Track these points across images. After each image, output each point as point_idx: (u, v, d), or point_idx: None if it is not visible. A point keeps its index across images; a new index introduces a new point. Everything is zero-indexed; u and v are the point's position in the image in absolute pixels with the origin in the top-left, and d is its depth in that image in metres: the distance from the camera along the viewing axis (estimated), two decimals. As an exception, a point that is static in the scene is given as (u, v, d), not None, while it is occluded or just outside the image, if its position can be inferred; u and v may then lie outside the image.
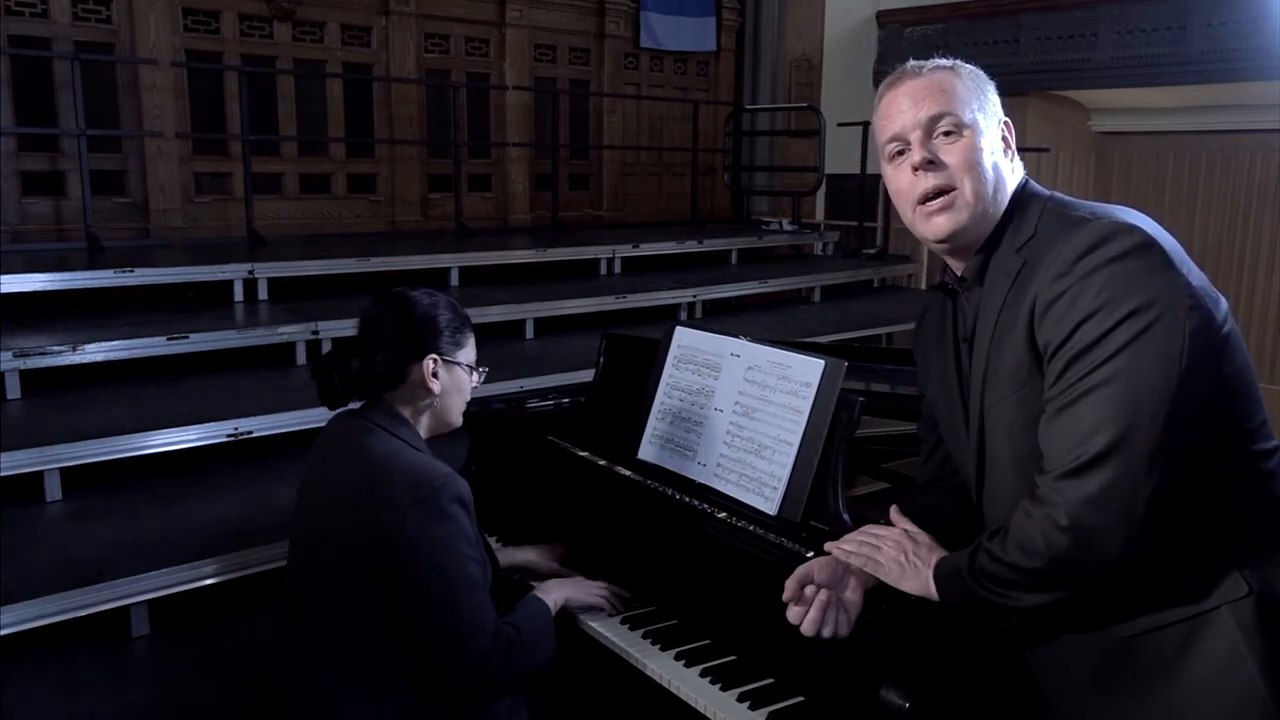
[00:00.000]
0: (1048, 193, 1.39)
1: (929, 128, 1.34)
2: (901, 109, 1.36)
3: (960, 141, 1.33)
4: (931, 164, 1.34)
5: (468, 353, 1.82)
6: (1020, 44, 6.55)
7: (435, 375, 1.74)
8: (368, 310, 1.78)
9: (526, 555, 2.08)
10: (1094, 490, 1.17)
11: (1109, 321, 1.18)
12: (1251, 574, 1.23)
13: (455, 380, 1.79)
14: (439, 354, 1.75)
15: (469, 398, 1.85)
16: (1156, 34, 5.94)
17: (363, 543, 1.62)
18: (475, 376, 1.84)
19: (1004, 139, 1.38)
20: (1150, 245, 1.21)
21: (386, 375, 1.73)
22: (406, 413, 1.76)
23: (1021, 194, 1.38)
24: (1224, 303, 1.26)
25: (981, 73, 1.40)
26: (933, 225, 1.36)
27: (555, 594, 1.85)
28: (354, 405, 1.79)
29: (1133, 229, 1.22)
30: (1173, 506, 1.19)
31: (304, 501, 1.78)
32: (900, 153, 1.37)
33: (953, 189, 1.33)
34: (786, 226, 7.01)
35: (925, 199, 1.35)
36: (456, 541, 1.63)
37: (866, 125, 6.41)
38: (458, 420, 1.85)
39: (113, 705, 2.30)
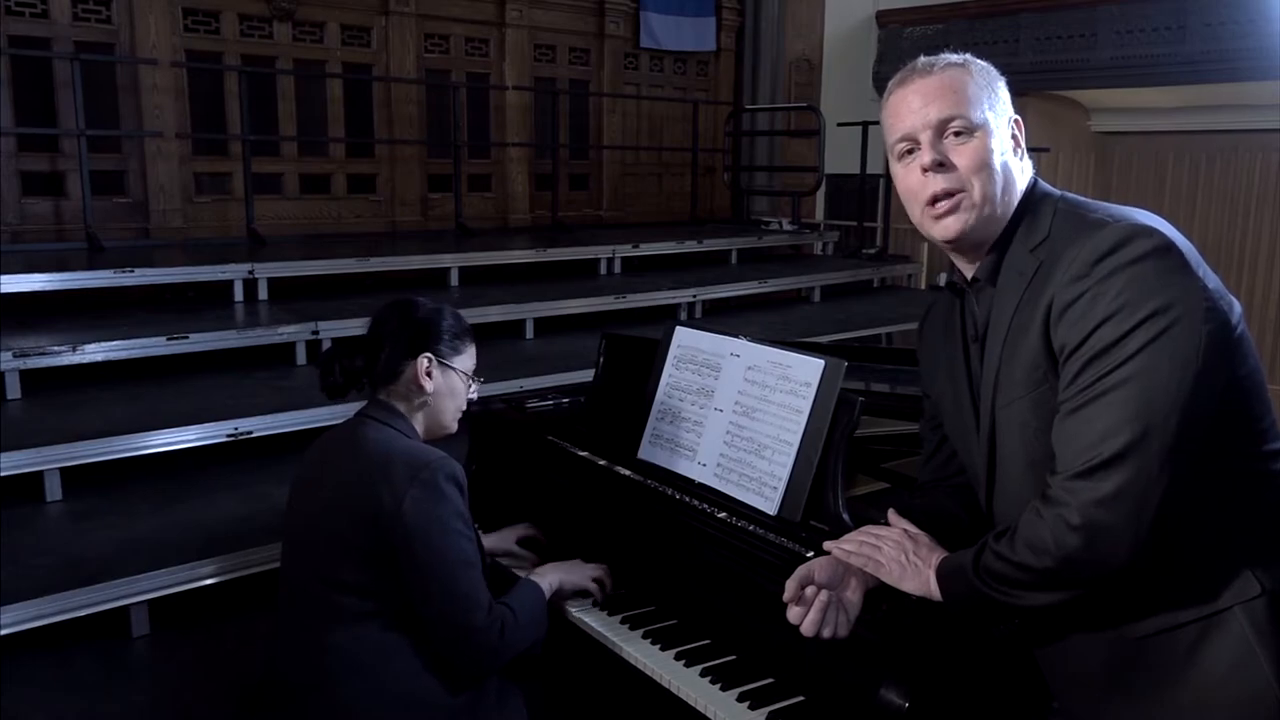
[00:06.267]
0: (1058, 192, 1.38)
1: (940, 128, 1.33)
2: (912, 108, 1.35)
3: (971, 143, 1.33)
4: (941, 165, 1.33)
5: (465, 360, 1.89)
6: (1020, 44, 6.54)
7: (429, 374, 1.82)
8: (378, 312, 1.88)
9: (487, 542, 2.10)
10: (1108, 491, 1.17)
11: (1127, 324, 1.17)
12: (1264, 574, 1.24)
13: (449, 384, 1.86)
14: (435, 355, 1.82)
15: (464, 406, 1.92)
16: (1156, 34, 5.93)
17: (361, 526, 1.67)
18: (472, 386, 1.91)
19: (1014, 137, 1.37)
20: (1169, 248, 1.21)
21: (384, 371, 1.81)
22: (402, 409, 1.83)
23: (1032, 193, 1.37)
24: (1238, 306, 1.26)
25: (992, 69, 1.39)
26: (940, 226, 1.35)
27: (549, 578, 1.90)
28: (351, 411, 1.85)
29: (1152, 232, 1.22)
30: (1183, 507, 1.19)
31: (299, 497, 1.83)
32: (910, 151, 1.36)
33: (961, 191, 1.33)
34: (786, 226, 7.00)
35: (934, 200, 1.34)
36: (453, 519, 1.69)
37: (866, 125, 6.42)
38: (452, 425, 1.91)
39: (112, 705, 2.30)
